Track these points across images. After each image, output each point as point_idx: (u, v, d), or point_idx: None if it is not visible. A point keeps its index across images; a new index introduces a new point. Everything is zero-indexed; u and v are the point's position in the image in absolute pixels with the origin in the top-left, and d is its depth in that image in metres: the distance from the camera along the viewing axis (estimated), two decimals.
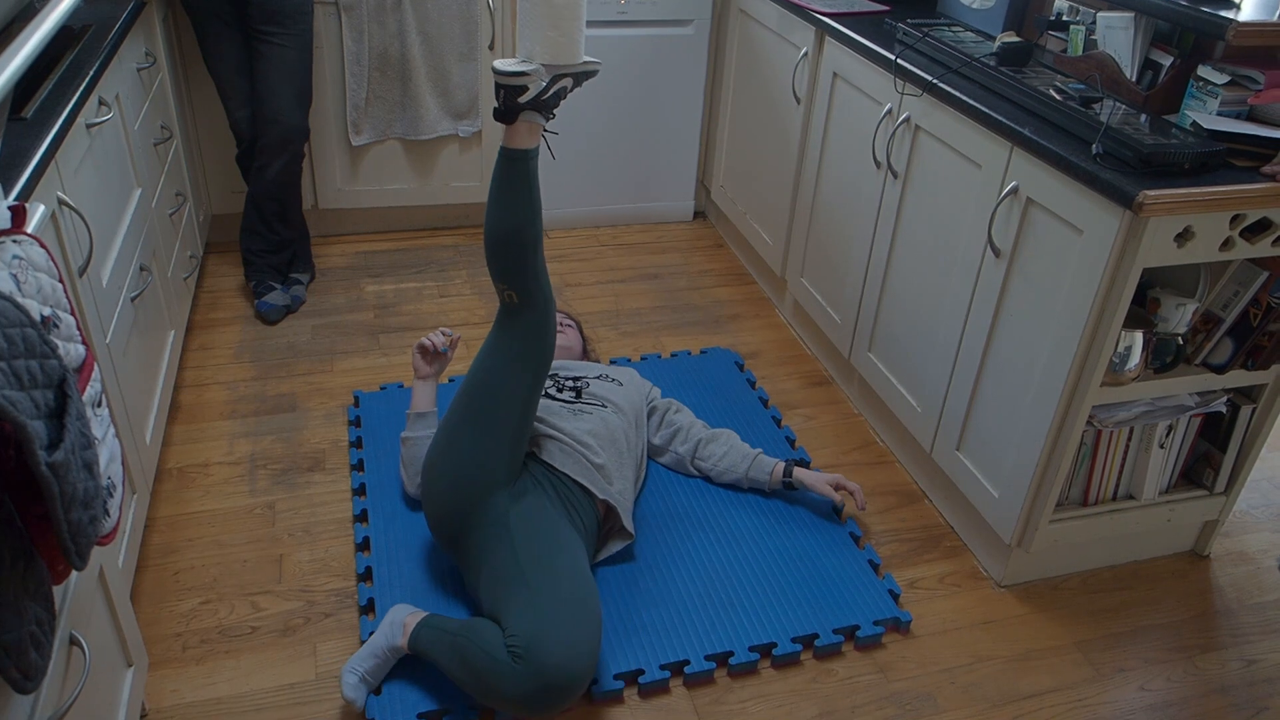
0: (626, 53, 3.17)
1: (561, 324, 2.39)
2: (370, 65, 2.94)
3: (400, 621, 1.70)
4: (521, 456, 1.82)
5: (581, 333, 2.43)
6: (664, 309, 2.98)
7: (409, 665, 1.72)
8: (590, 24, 3.09)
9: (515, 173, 1.73)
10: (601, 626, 1.65)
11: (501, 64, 1.68)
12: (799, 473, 2.14)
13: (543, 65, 1.70)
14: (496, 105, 1.71)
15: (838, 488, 2.11)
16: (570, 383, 2.13)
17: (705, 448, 2.21)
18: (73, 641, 1.25)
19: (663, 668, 1.78)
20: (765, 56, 2.89)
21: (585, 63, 1.75)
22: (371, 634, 1.72)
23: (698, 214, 3.62)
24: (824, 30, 2.49)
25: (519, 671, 1.52)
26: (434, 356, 2.13)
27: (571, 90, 1.76)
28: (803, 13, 2.58)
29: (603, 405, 2.06)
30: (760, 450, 2.20)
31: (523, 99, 1.69)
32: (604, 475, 1.93)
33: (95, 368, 1.22)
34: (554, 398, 2.06)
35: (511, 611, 1.60)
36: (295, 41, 2.58)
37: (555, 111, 1.76)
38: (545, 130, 1.77)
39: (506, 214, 1.73)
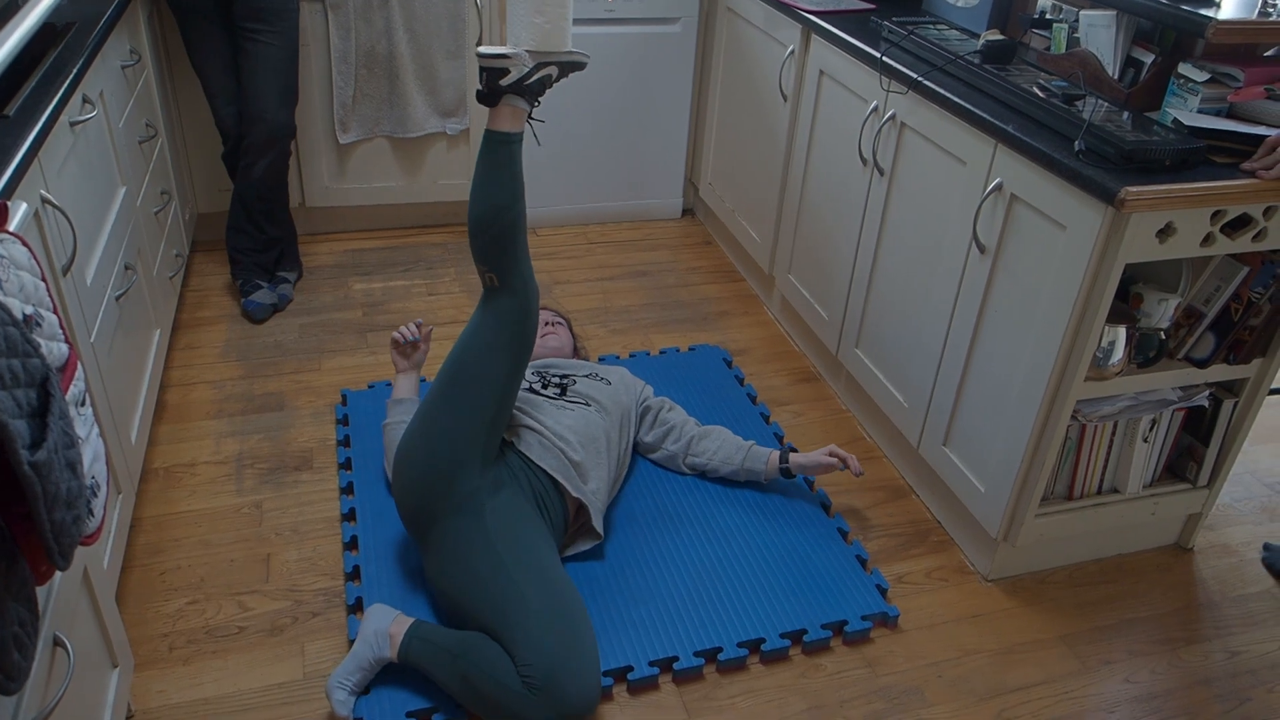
0: (614, 51, 3.17)
1: (552, 323, 2.39)
2: (357, 63, 2.93)
3: (384, 631, 1.68)
4: (497, 442, 1.82)
5: (571, 330, 2.43)
6: (652, 306, 2.99)
7: (396, 665, 1.72)
8: (578, 22, 3.09)
9: (497, 155, 1.76)
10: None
11: (485, 48, 1.72)
12: (794, 458, 2.15)
13: (527, 51, 1.72)
14: (479, 87, 1.74)
15: (832, 455, 2.12)
16: (557, 379, 2.14)
17: (698, 444, 2.21)
18: (56, 643, 1.25)
19: (652, 664, 1.78)
20: (752, 54, 2.90)
21: (571, 52, 1.77)
22: (354, 641, 1.71)
23: (686, 211, 3.63)
24: (810, 28, 2.49)
25: (537, 702, 1.54)
26: (409, 348, 2.20)
27: (557, 79, 1.79)
28: (789, 11, 2.59)
29: (586, 404, 2.06)
30: (753, 441, 2.21)
31: (504, 82, 1.72)
32: (579, 473, 1.93)
33: (79, 366, 1.22)
34: (538, 393, 2.06)
35: (517, 636, 1.59)
36: (281, 39, 2.57)
37: (540, 99, 1.78)
38: (531, 117, 1.79)
39: (488, 195, 1.76)
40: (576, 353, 2.42)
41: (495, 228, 1.76)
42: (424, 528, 1.78)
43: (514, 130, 1.75)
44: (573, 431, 1.96)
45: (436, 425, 1.78)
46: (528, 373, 2.17)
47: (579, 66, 1.80)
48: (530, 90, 1.75)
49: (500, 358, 1.79)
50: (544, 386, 2.10)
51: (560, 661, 1.55)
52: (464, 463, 1.76)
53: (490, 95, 1.73)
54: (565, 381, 2.13)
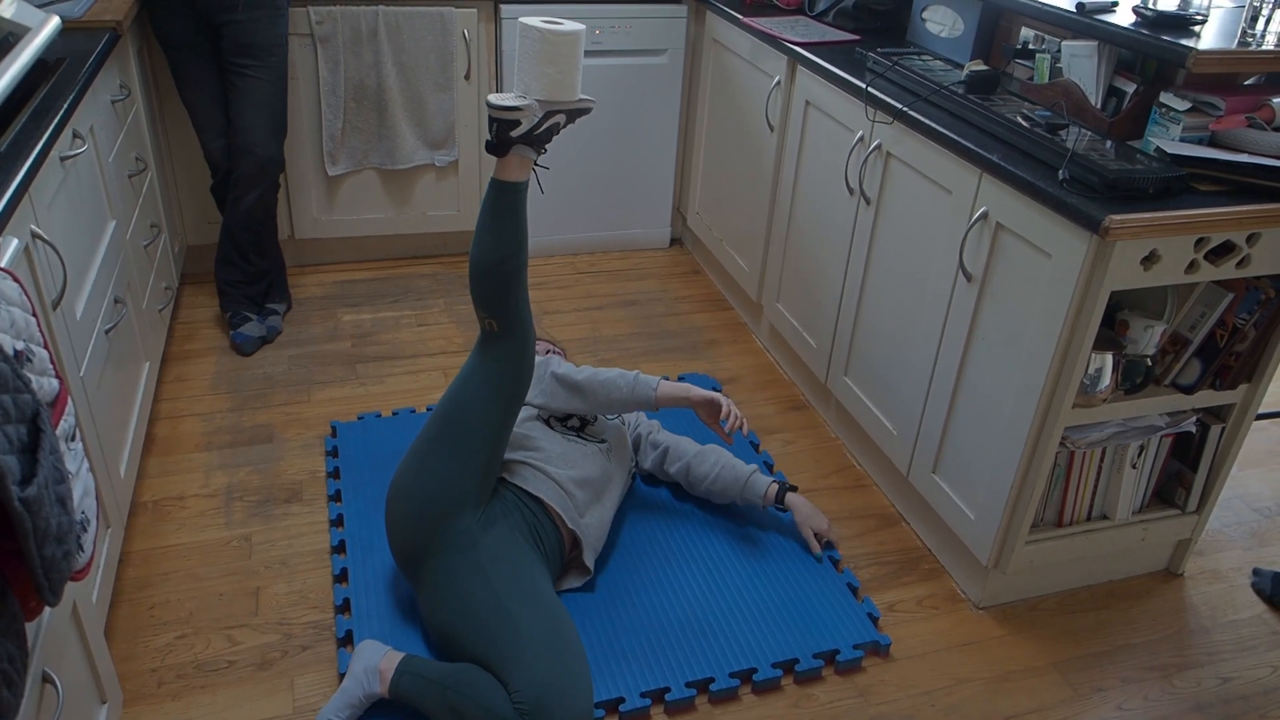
0: (602, 82, 3.20)
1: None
2: (346, 96, 2.95)
3: (374, 668, 1.67)
4: (492, 483, 1.82)
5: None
6: (642, 335, 3.00)
7: (387, 701, 1.71)
8: None
9: (504, 204, 1.75)
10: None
11: (495, 98, 1.70)
12: (791, 499, 2.15)
13: (537, 101, 1.72)
14: (489, 138, 1.74)
15: (817, 534, 2.13)
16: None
17: (696, 469, 2.19)
18: (45, 679, 1.23)
19: (643, 695, 1.77)
20: (739, 85, 2.93)
21: (580, 100, 1.77)
22: (344, 675, 1.70)
23: (674, 241, 3.65)
24: (796, 59, 2.53)
25: None
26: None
27: (565, 126, 1.79)
28: (775, 42, 2.62)
29: (601, 441, 2.07)
30: (755, 468, 2.18)
31: (514, 133, 1.71)
32: (575, 505, 1.92)
33: (69, 401, 1.21)
34: (553, 425, 2.06)
35: (511, 664, 1.57)
36: (269, 73, 2.58)
37: (547, 147, 1.78)
38: (536, 165, 1.79)
39: (493, 243, 1.75)
40: None
41: (498, 275, 1.76)
42: (416, 565, 1.78)
43: (520, 179, 1.75)
44: (574, 467, 1.96)
45: (429, 468, 1.77)
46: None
47: (585, 112, 1.80)
48: (539, 140, 1.75)
49: (495, 403, 1.79)
50: (565, 419, 2.10)
51: (554, 688, 1.54)
52: (456, 505, 1.75)
53: (500, 146, 1.73)
54: (586, 417, 2.13)
